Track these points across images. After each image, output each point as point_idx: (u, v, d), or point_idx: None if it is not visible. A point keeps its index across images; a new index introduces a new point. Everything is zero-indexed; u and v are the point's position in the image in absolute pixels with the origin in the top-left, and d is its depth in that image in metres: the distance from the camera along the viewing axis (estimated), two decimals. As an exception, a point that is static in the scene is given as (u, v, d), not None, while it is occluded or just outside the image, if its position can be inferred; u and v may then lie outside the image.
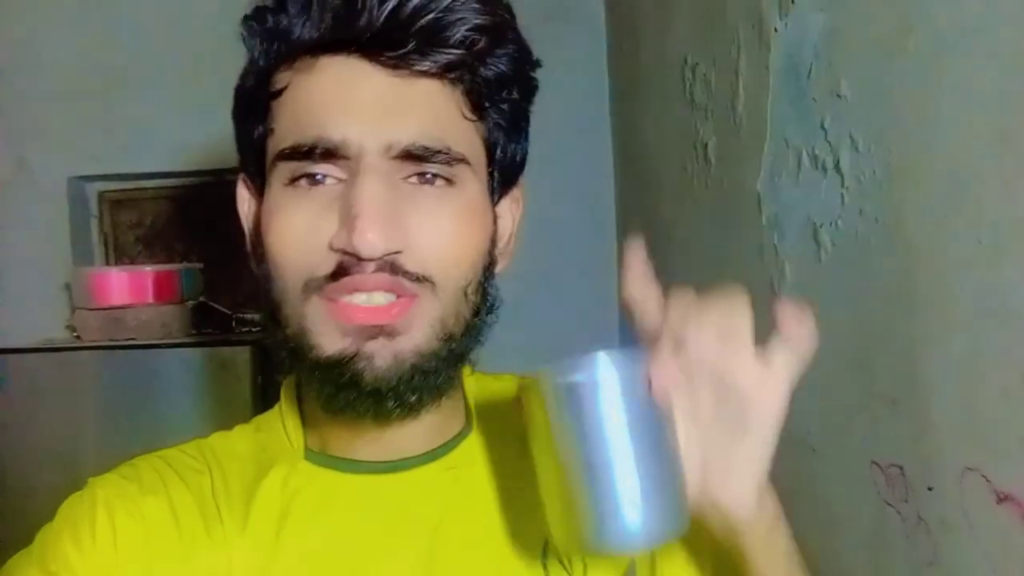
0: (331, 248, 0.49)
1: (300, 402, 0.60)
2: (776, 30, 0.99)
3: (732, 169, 1.16)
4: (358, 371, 0.49)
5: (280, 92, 0.52)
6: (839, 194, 0.85)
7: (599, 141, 1.92)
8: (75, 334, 1.66)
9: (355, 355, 0.49)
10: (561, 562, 0.56)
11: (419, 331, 0.50)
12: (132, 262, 2.04)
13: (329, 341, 0.49)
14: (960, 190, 0.66)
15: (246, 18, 0.53)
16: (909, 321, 0.73)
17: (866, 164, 0.80)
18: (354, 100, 0.49)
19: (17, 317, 1.82)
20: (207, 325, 1.74)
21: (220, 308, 1.78)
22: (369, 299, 0.49)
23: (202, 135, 1.85)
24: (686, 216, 1.37)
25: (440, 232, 0.50)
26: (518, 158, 0.57)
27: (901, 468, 0.75)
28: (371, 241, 0.47)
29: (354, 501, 0.55)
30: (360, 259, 0.48)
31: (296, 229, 0.50)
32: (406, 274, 0.49)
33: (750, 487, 0.45)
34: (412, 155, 0.49)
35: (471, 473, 0.58)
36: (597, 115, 1.92)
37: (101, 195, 2.03)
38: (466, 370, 0.63)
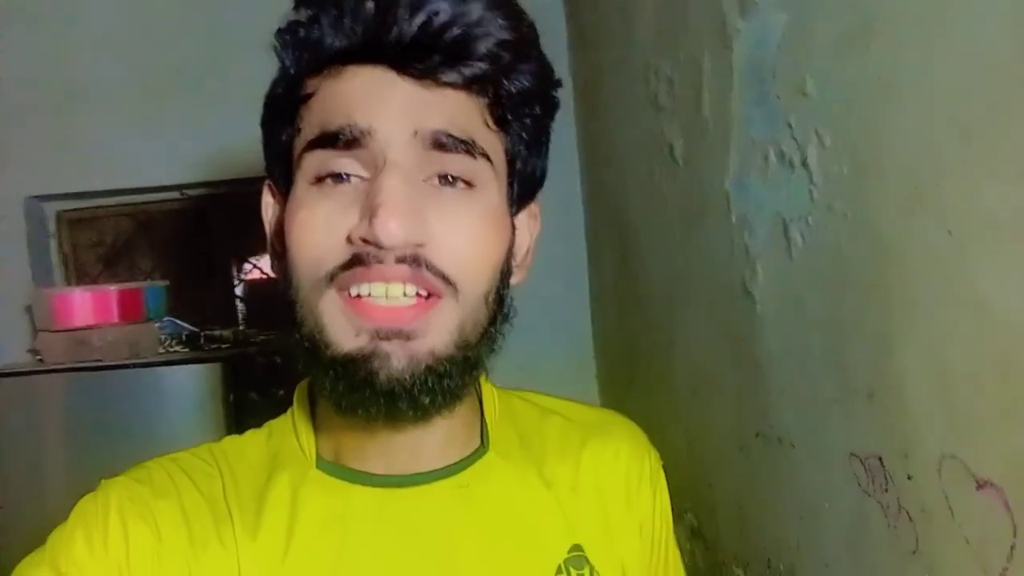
0: (349, 240, 0.49)
1: (313, 408, 0.59)
2: (739, 31, 1.00)
3: (700, 169, 1.17)
4: (373, 370, 0.49)
5: (309, 96, 0.53)
6: (807, 191, 0.86)
7: (564, 146, 1.93)
8: (38, 357, 1.62)
9: (372, 353, 0.49)
10: None
11: (436, 336, 0.50)
12: (93, 282, 1.99)
13: (345, 338, 0.49)
14: (926, 184, 0.67)
15: (280, 32, 0.54)
16: (881, 314, 0.74)
17: (833, 160, 0.81)
18: (382, 97, 0.50)
19: (-24, 342, 1.77)
20: (175, 343, 1.71)
21: (188, 326, 1.75)
22: (387, 292, 0.49)
23: (162, 150, 1.82)
24: (656, 218, 1.38)
25: (462, 234, 0.51)
26: (537, 173, 0.59)
27: (880, 459, 0.76)
28: (392, 230, 0.47)
29: (364, 514, 0.55)
30: (380, 248, 0.48)
31: (316, 224, 0.50)
32: (430, 268, 0.49)
33: None
34: (438, 143, 0.50)
35: (484, 493, 0.58)
36: (561, 120, 1.91)
37: (59, 214, 1.99)
38: (487, 387, 0.63)
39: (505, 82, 0.53)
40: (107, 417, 1.47)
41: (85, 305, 1.60)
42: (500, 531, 0.57)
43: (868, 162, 0.76)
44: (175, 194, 1.98)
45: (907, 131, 0.69)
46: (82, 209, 2.00)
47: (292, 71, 0.53)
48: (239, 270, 2.22)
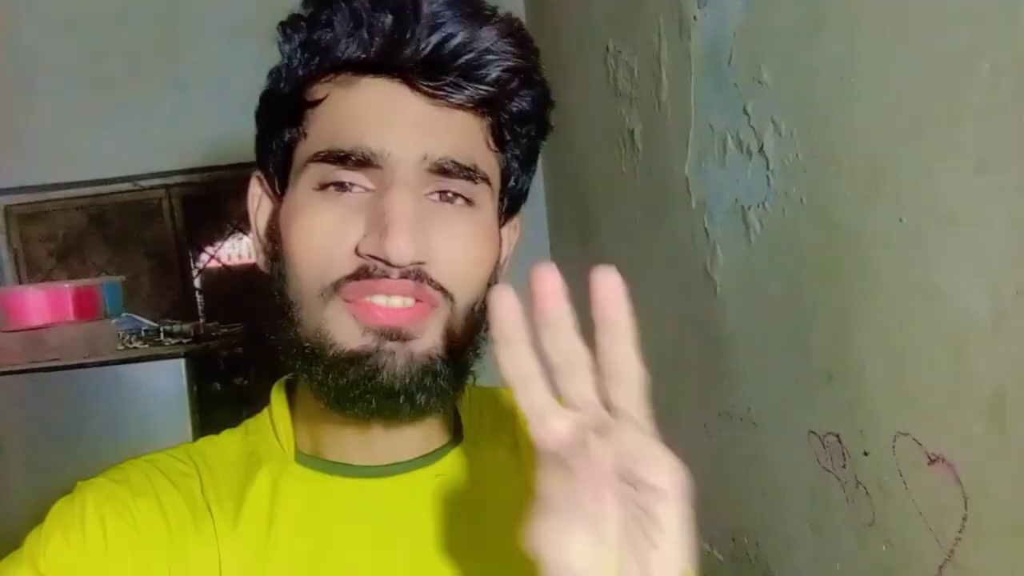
0: (357, 253, 0.51)
1: (292, 405, 0.60)
2: (695, 18, 1.01)
3: (660, 155, 1.18)
4: (377, 367, 0.50)
5: (318, 102, 0.53)
6: (764, 177, 0.88)
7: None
8: (-8, 359, 1.58)
9: (376, 351, 0.51)
10: None
11: (430, 339, 0.52)
12: (46, 278, 1.95)
13: (351, 337, 0.51)
14: (879, 171, 0.69)
15: (283, 25, 0.54)
16: (838, 298, 0.77)
17: (789, 148, 0.83)
18: (393, 117, 0.52)
19: (-74, 345, 1.72)
20: (134, 340, 1.68)
21: (147, 321, 1.72)
22: (388, 301, 0.51)
23: (113, 141, 1.78)
24: (617, 203, 1.40)
25: (460, 249, 0.53)
26: (525, 188, 0.61)
27: (838, 436, 0.79)
28: (402, 249, 0.49)
29: (344, 504, 0.56)
30: (388, 265, 0.50)
31: (321, 232, 0.52)
32: (430, 282, 0.52)
33: None
34: (443, 169, 0.52)
35: (459, 481, 0.59)
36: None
37: (8, 210, 1.94)
38: None
39: (508, 105, 0.55)
40: (69, 418, 1.45)
41: (39, 304, 1.56)
42: (476, 519, 0.59)
43: (823, 150, 0.78)
44: (128, 185, 1.94)
45: (861, 120, 0.71)
46: (32, 204, 1.95)
47: (300, 72, 0.54)
48: (196, 261, 2.19)
